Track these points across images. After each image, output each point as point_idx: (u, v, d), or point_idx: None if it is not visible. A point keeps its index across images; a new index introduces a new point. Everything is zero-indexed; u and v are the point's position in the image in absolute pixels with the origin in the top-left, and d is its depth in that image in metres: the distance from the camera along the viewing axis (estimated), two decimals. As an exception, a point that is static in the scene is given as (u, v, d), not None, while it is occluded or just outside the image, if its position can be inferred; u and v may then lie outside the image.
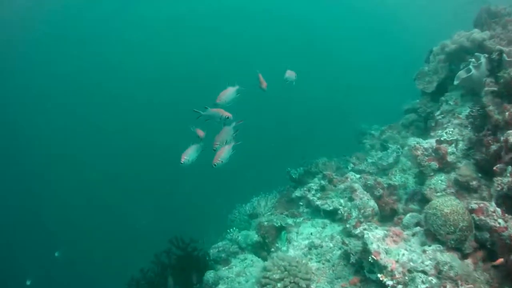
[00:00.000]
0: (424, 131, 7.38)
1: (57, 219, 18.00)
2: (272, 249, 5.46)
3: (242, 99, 5.37)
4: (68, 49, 31.51)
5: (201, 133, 5.15)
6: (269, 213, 6.35)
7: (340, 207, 4.82)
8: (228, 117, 4.99)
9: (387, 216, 5.29)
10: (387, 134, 7.30)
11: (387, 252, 3.83)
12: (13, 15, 27.11)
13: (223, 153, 4.92)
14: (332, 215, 5.42)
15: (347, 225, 4.74)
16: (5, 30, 27.30)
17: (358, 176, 5.77)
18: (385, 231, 4.04)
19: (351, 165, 6.43)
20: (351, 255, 4.17)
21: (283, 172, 7.29)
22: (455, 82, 5.87)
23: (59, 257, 12.90)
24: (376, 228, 4.76)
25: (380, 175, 6.16)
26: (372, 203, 5.12)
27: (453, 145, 5.24)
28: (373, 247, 3.78)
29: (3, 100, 28.52)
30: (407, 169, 6.26)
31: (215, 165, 4.84)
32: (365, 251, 3.89)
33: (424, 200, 5.06)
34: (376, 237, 3.92)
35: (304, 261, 4.25)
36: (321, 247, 4.63)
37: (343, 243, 4.62)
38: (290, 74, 6.10)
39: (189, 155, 4.98)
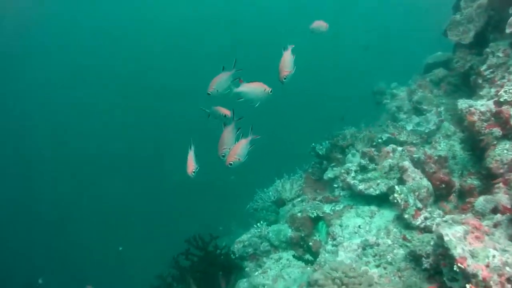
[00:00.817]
0: (458, 88, 6.53)
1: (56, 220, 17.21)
2: (310, 243, 4.69)
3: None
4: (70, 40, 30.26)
5: (226, 111, 4.25)
6: (298, 199, 5.55)
7: (396, 194, 3.97)
8: (226, 115, 4.15)
9: (442, 195, 4.48)
10: (419, 94, 6.42)
11: (473, 254, 3.02)
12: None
13: (240, 149, 4.03)
14: (378, 200, 4.62)
15: (406, 215, 3.92)
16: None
17: (400, 149, 4.93)
18: (464, 227, 3.23)
19: (387, 135, 5.55)
20: (422, 258, 3.37)
21: (303, 148, 6.47)
22: (508, 30, 4.95)
23: (42, 284, 12.23)
24: (439, 216, 3.99)
25: (422, 145, 5.34)
26: (425, 182, 4.30)
27: (516, 105, 4.40)
28: (457, 252, 2.97)
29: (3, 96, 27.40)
30: (451, 134, 5.43)
31: (231, 164, 3.97)
32: (446, 255, 3.09)
33: (488, 175, 4.28)
34: (456, 236, 3.11)
35: (363, 268, 3.45)
36: (378, 245, 3.82)
37: (404, 238, 3.84)
38: (319, 24, 5.15)
39: (194, 163, 4.13)
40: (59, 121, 26.55)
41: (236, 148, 4.02)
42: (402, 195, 3.96)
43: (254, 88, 4.10)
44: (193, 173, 4.08)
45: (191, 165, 4.09)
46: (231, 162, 3.96)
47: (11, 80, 29.25)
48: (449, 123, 5.61)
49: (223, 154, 4.06)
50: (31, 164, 23.30)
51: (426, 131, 5.39)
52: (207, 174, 4.28)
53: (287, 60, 4.19)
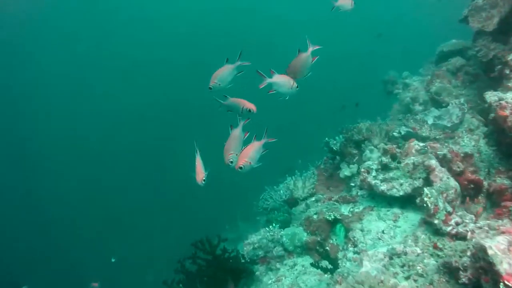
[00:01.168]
0: (477, 78, 6.18)
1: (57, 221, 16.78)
2: (327, 248, 4.35)
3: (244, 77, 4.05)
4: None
5: (250, 105, 3.81)
6: (312, 198, 5.20)
7: (425, 198, 3.61)
8: (250, 110, 3.73)
9: (469, 196, 4.13)
10: (437, 85, 6.05)
11: (519, 269, 2.69)
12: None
13: (252, 152, 3.62)
14: (400, 201, 4.28)
15: (435, 221, 3.56)
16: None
17: (422, 144, 4.56)
18: (507, 237, 2.89)
19: (406, 129, 5.18)
20: (460, 271, 3.03)
21: (315, 142, 6.13)
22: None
23: None
24: (472, 221, 3.64)
25: (445, 140, 4.98)
26: (453, 182, 3.96)
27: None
28: (503, 267, 2.64)
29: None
30: (475, 128, 5.09)
31: (241, 168, 3.57)
32: (488, 270, 2.76)
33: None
34: (500, 248, 2.77)
35: (392, 281, 3.12)
36: (405, 254, 3.48)
37: (435, 246, 3.49)
38: (344, 2, 4.74)
39: (203, 170, 3.75)
40: (61, 118, 25.97)
41: (247, 151, 3.61)
42: (431, 199, 3.61)
43: (284, 81, 3.73)
44: (203, 182, 3.71)
45: (201, 173, 3.72)
46: (242, 166, 3.56)
47: (13, 76, 28.67)
48: (470, 116, 5.28)
49: (231, 160, 3.67)
50: (34, 161, 22.76)
51: (449, 125, 5.03)
52: (213, 170, 3.87)
53: (299, 64, 3.82)
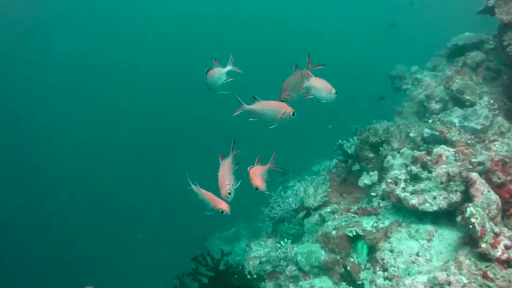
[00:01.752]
0: (499, 75, 5.70)
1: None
2: (348, 267, 3.83)
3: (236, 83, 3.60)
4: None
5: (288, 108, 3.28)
6: (327, 209, 4.63)
7: (472, 219, 3.08)
8: (294, 114, 3.22)
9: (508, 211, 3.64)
10: (459, 82, 5.53)
11: None
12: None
13: (262, 173, 3.15)
14: (432, 216, 3.76)
15: (483, 245, 3.05)
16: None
17: (452, 151, 4.05)
18: None
19: (429, 131, 4.64)
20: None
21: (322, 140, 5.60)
22: None
23: None
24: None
25: (475, 145, 4.47)
26: (494, 196, 3.46)
27: None
28: None
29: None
30: (506, 130, 4.58)
31: (257, 188, 3.08)
32: None
33: None
34: None
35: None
36: (449, 284, 2.97)
37: (485, 276, 2.98)
38: None
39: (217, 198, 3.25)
40: (62, 126, 25.04)
41: (256, 170, 3.11)
42: (479, 219, 3.09)
43: (323, 86, 3.23)
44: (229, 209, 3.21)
45: (222, 202, 3.20)
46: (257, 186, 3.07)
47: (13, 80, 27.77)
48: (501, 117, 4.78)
49: (229, 192, 3.15)
50: (33, 168, 21.98)
51: (478, 127, 4.52)
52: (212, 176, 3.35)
53: (293, 82, 3.39)
